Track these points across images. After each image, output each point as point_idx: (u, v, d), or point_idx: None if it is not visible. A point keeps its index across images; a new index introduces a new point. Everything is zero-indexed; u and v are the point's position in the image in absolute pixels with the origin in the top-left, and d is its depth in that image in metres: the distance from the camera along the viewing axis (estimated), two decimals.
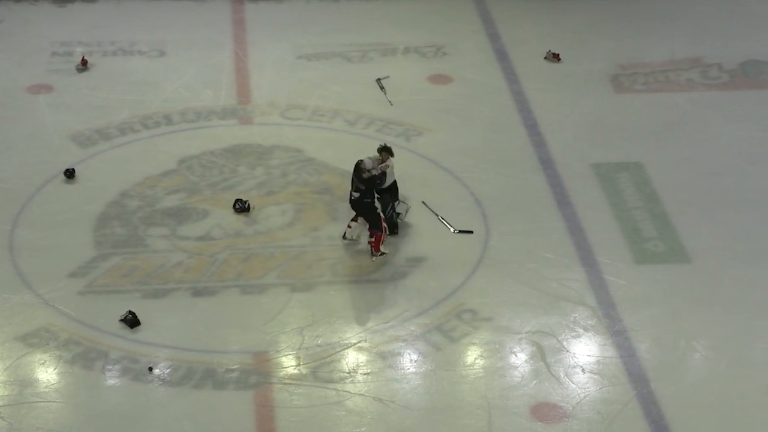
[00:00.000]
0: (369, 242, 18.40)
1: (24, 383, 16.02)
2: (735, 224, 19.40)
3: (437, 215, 19.18)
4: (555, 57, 24.14)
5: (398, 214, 18.93)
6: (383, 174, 18.41)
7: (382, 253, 18.36)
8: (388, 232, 18.45)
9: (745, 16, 26.05)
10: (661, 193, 20.10)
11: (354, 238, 18.71)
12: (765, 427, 15.78)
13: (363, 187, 18.11)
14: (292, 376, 16.31)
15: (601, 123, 22.13)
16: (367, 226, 18.39)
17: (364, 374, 16.38)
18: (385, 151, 18.67)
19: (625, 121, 22.20)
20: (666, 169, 20.73)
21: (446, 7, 26.19)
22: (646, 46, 24.78)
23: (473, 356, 16.79)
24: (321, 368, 16.45)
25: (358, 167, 18.14)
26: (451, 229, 18.99)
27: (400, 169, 19.05)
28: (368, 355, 16.70)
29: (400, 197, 19.08)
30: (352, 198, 18.24)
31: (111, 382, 16.22)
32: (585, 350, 16.87)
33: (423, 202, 19.49)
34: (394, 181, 18.87)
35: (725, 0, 26.72)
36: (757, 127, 22.08)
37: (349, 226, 18.71)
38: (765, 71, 23.92)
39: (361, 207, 18.26)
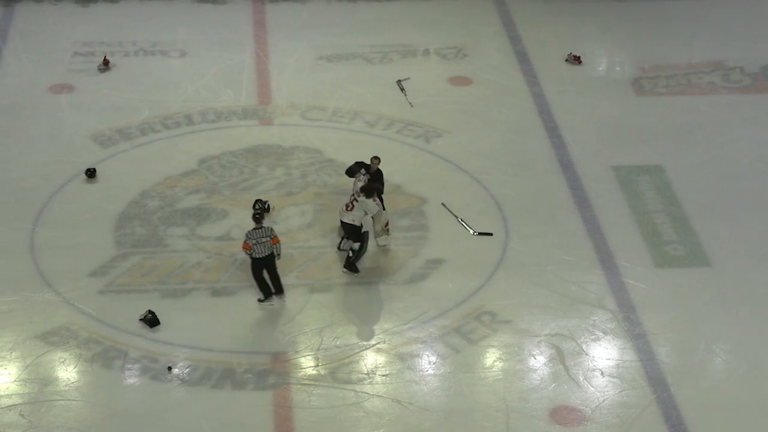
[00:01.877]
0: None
1: (44, 381, 16.09)
2: (756, 228, 19.32)
3: (457, 217, 19.17)
4: (576, 59, 24.09)
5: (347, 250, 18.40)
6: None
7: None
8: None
9: (767, 19, 25.93)
10: (681, 197, 20.04)
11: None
12: None
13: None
14: (310, 377, 16.32)
15: (621, 126, 22.07)
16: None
17: (383, 375, 16.38)
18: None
19: (646, 124, 22.14)
20: (686, 173, 20.67)
21: (467, 8, 26.18)
22: (667, 49, 24.72)
23: (492, 359, 16.77)
24: (339, 369, 16.46)
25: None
26: (471, 231, 18.98)
27: (420, 171, 19.02)
28: (387, 357, 16.70)
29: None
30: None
31: (130, 381, 16.27)
32: (604, 354, 16.83)
33: (443, 204, 19.49)
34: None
35: (747, 3, 26.65)
36: None
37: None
38: None
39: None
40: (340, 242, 18.55)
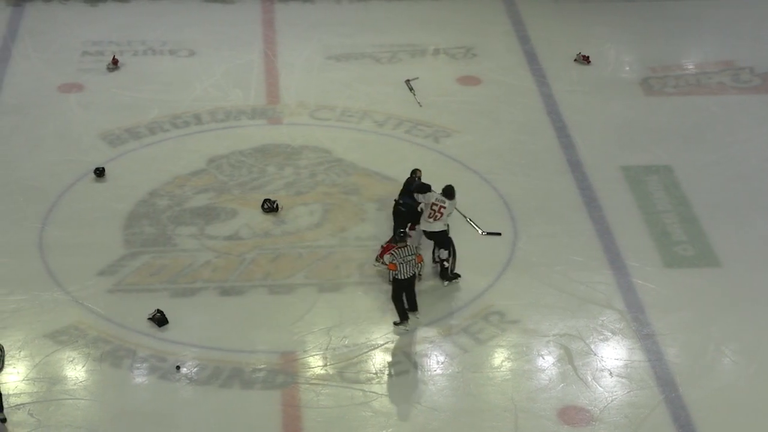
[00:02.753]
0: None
1: (52, 380, 16.11)
2: (765, 228, 19.29)
3: (465, 217, 19.15)
4: (585, 59, 24.06)
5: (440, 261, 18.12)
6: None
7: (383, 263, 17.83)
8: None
9: None
10: (690, 197, 20.01)
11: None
12: None
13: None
14: (319, 377, 16.33)
15: (630, 126, 22.04)
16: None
17: (391, 375, 16.38)
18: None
19: (655, 124, 22.11)
20: (696, 173, 20.63)
21: (476, 8, 26.16)
22: (676, 49, 24.69)
23: (500, 358, 16.75)
24: (348, 369, 16.46)
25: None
26: (480, 231, 18.96)
27: (429, 171, 18.99)
28: (395, 356, 16.70)
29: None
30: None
31: (139, 380, 16.29)
32: (613, 354, 16.80)
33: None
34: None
35: (757, 3, 26.59)
36: None
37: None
38: None
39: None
40: (434, 255, 18.11)
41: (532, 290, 17.90)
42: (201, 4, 26.07)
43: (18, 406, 15.67)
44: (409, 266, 16.78)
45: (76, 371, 16.30)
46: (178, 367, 16.39)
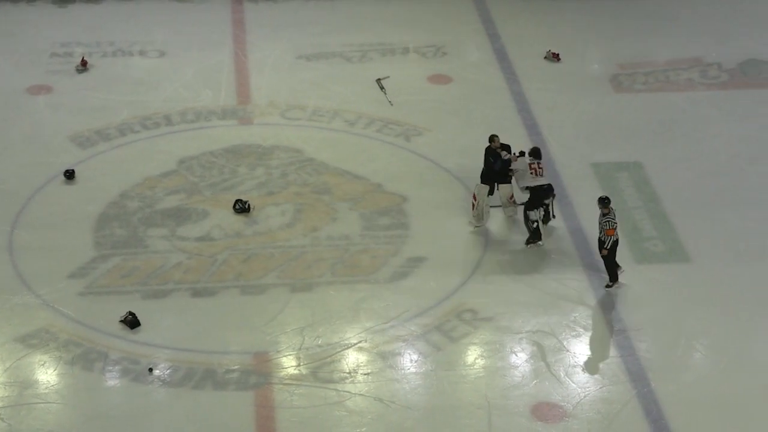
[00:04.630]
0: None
1: (24, 384, 16.02)
2: (734, 223, 19.40)
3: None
4: (555, 57, 24.14)
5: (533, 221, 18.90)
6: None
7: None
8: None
9: (744, 15, 26.07)
10: (660, 193, 20.11)
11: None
12: (765, 425, 15.79)
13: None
14: (292, 377, 16.31)
15: (600, 123, 22.14)
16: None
17: (365, 374, 16.38)
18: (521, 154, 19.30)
19: (625, 121, 22.21)
20: (665, 169, 20.74)
21: (446, 6, 26.19)
22: (645, 45, 24.80)
23: (473, 356, 16.79)
24: (321, 368, 16.45)
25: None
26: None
27: (400, 169, 19.03)
28: (368, 356, 16.70)
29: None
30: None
31: (111, 383, 16.22)
32: (585, 350, 16.88)
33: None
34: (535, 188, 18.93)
35: (724, 0, 26.74)
36: (756, 126, 22.10)
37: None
38: (764, 70, 23.94)
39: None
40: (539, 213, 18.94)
41: (505, 288, 17.95)
42: (170, 5, 25.98)
43: None
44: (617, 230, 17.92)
45: (47, 375, 16.22)
46: (150, 369, 16.33)
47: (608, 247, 17.78)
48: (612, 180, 20.40)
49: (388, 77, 23.21)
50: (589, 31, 25.45)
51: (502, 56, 24.37)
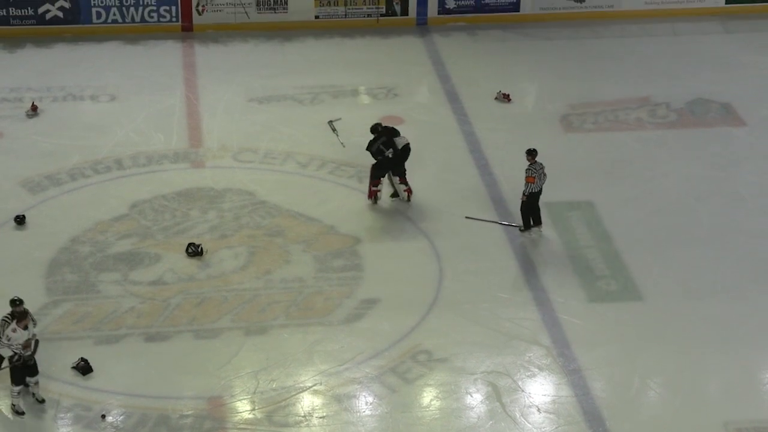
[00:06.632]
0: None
1: None
2: (685, 261, 19.57)
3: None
4: (505, 97, 24.34)
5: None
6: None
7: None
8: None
9: (690, 55, 26.45)
10: (612, 232, 20.26)
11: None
12: None
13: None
14: (247, 421, 16.19)
15: (551, 162, 22.15)
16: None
17: (320, 417, 16.31)
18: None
19: (575, 161, 22.39)
20: (616, 208, 20.91)
21: (396, 48, 26.38)
22: (595, 86, 25.07)
23: (429, 398, 16.76)
24: (276, 412, 16.36)
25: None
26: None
27: (353, 210, 19.00)
28: (324, 398, 16.63)
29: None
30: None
31: (63, 430, 16.03)
32: (540, 390, 16.90)
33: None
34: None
35: (671, 40, 27.16)
36: (705, 165, 22.36)
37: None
38: (711, 110, 24.25)
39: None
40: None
41: (459, 328, 17.97)
42: (121, 49, 25.95)
43: None
44: (542, 180, 19.51)
45: None
46: (103, 416, 16.16)
47: (527, 194, 19.42)
48: (564, 219, 20.54)
49: (340, 119, 23.22)
50: (538, 71, 25.71)
51: (453, 97, 24.54)
